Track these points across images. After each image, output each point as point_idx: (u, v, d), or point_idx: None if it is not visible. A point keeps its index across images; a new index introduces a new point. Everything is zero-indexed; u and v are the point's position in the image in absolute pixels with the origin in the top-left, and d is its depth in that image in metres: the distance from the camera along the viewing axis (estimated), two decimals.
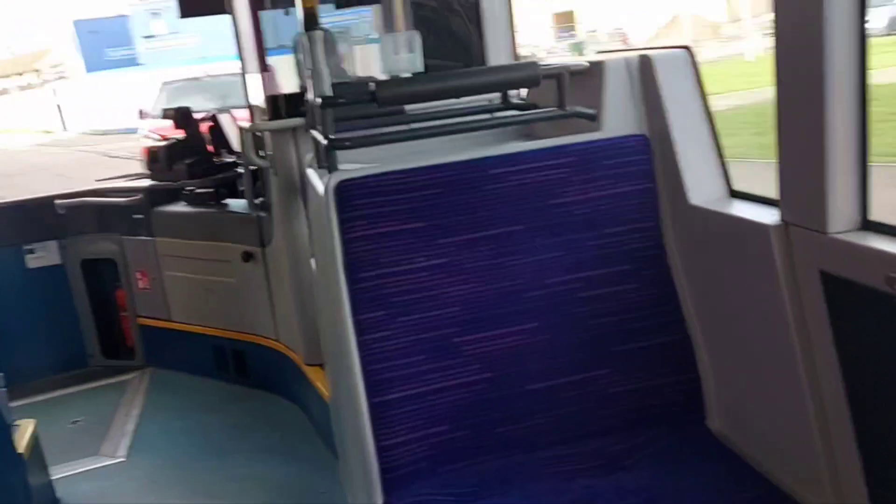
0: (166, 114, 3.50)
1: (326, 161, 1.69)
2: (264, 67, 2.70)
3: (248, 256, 3.27)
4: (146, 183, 3.69)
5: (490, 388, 1.58)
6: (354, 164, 1.90)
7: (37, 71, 40.02)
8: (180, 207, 3.64)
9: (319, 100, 1.69)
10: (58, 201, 3.86)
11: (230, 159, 3.61)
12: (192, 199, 3.59)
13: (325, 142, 1.68)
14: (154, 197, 3.67)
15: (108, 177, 4.15)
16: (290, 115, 2.69)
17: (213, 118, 3.53)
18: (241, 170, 3.57)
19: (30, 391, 3.82)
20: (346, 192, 1.59)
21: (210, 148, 3.62)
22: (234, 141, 3.57)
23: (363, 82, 2.69)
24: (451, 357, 1.57)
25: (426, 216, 1.60)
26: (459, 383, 1.57)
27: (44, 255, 3.93)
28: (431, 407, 1.56)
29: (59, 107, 28.12)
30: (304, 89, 2.73)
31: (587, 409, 1.61)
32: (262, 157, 2.90)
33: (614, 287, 1.64)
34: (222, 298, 3.51)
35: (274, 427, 3.17)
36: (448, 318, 1.58)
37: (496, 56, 2.74)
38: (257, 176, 3.18)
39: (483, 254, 1.61)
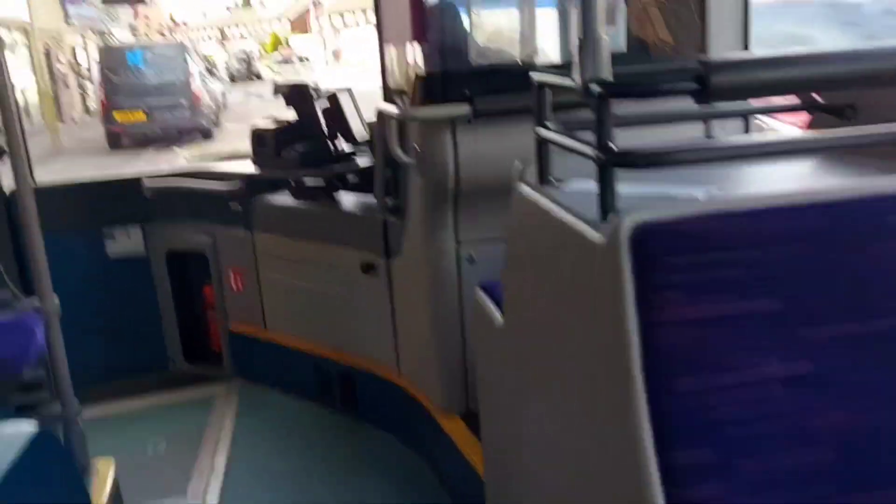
0: (278, 89, 2.93)
1: (599, 182, 1.08)
2: (421, 32, 2.08)
3: (367, 267, 2.69)
4: (247, 169, 3.14)
5: None
6: (580, 182, 1.30)
7: None
8: (285, 200, 3.09)
9: (597, 87, 1.08)
10: (146, 182, 3.36)
11: (347, 148, 3.03)
12: (300, 192, 3.03)
13: (596, 153, 1.08)
14: (256, 185, 3.12)
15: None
16: (445, 100, 2.08)
17: (332, 97, 2.95)
18: (360, 161, 3.00)
19: (105, 395, 3.35)
20: (652, 244, 0.98)
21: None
22: (356, 126, 2.99)
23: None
24: None
25: (783, 291, 0.98)
26: None
27: (125, 242, 3.43)
28: None
29: None
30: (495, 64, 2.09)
31: None
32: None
33: None
34: (330, 312, 2.95)
35: (391, 477, 2.61)
36: (821, 466, 0.96)
37: (722, 43, 2.10)
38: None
39: (878, 360, 0.99)
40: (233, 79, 38.96)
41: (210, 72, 20.52)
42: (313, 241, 2.93)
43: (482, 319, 1.79)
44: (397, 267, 2.61)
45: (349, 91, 3.06)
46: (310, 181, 2.92)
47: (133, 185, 3.36)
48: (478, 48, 2.06)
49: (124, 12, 32.77)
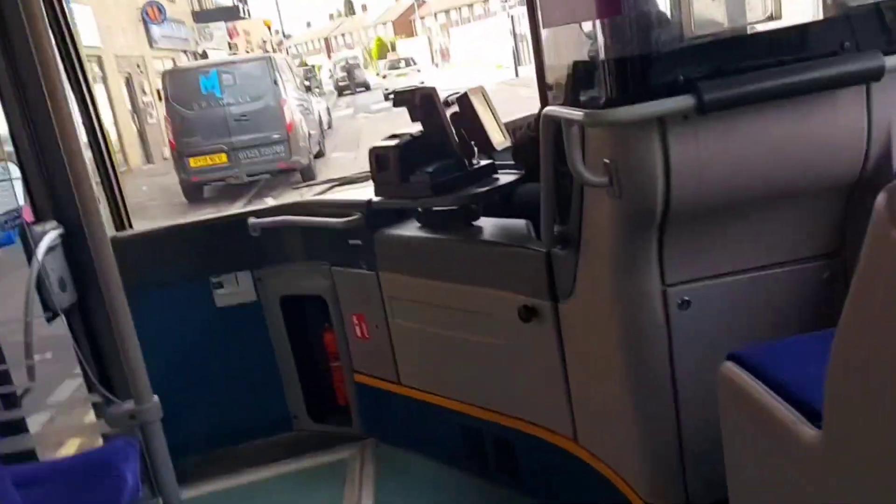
0: (399, 99, 2.42)
1: None
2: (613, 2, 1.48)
3: (528, 313, 2.14)
4: (366, 196, 2.66)
5: None
6: None
7: None
8: (413, 231, 2.58)
9: None
10: (252, 220, 2.93)
11: (483, 161, 2.49)
12: (429, 221, 2.52)
13: None
14: (377, 216, 2.63)
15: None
16: (649, 92, 1.50)
17: (464, 99, 2.42)
18: (501, 178, 2.45)
19: (222, 468, 2.96)
20: None
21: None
22: (494, 134, 2.44)
23: None
24: None
25: None
26: None
27: (234, 289, 3.02)
28: None
29: (519, 36, 24.26)
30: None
31: None
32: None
33: None
34: (479, 365, 2.42)
35: None
36: None
37: None
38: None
39: None
40: (340, 91, 38.66)
41: (308, 88, 16.98)
42: (452, 281, 2.40)
43: (751, 414, 1.21)
44: (569, 312, 2.05)
45: (482, 90, 2.51)
46: (439, 206, 2.40)
47: (238, 224, 2.94)
48: (694, 16, 1.46)
49: (219, 30, 31.67)
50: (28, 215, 3.28)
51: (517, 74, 23.51)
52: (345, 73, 39.03)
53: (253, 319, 3.03)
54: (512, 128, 2.59)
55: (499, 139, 2.45)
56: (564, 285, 2.02)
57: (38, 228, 2.66)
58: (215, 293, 3.00)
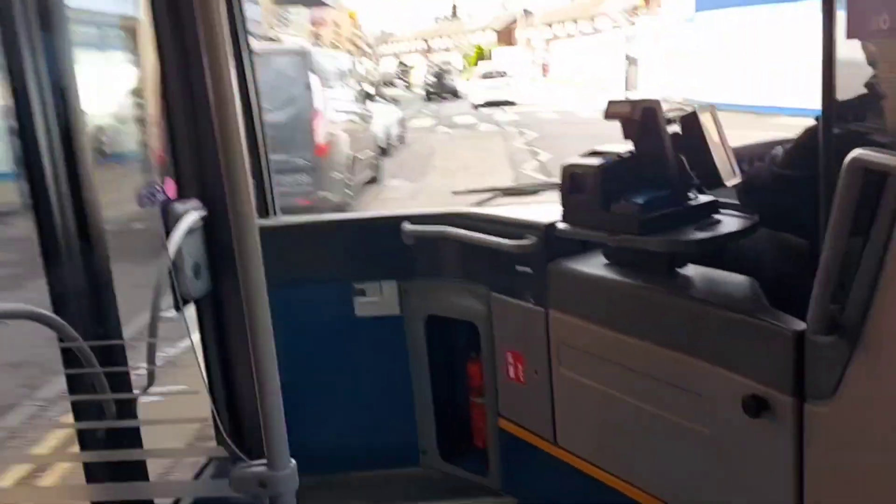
0: (612, 110, 1.98)
1: None
2: None
3: (757, 405, 1.65)
4: (550, 216, 2.23)
5: None
6: None
7: (604, 15, 38.59)
8: (599, 268, 2.13)
9: None
10: (406, 225, 2.57)
11: (702, 197, 2.00)
12: (623, 257, 2.06)
13: None
14: (557, 244, 2.19)
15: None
16: None
17: (690, 119, 1.94)
18: (724, 220, 1.96)
19: (335, 497, 2.64)
20: None
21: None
22: (723, 166, 1.95)
23: None
24: None
25: None
26: None
27: (378, 299, 2.68)
28: None
29: (629, 59, 23.17)
30: None
31: None
32: None
33: None
34: (671, 450, 1.95)
35: None
36: None
37: None
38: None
39: None
40: (428, 96, 36.92)
41: (369, 95, 13.23)
42: (648, 339, 1.94)
43: None
44: (824, 418, 1.54)
45: (712, 110, 2.02)
46: (649, 247, 1.92)
47: (391, 227, 2.60)
48: None
49: (300, 16, 28.99)
50: (171, 192, 3.09)
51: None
52: (435, 79, 37.07)
53: (393, 335, 2.69)
54: (742, 158, 2.09)
55: (728, 173, 1.95)
56: (821, 381, 1.52)
57: (179, 206, 2.41)
58: (356, 300, 2.67)
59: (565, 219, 2.09)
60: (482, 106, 28.51)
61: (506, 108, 27.02)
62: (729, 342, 1.74)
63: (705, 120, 1.99)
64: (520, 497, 2.53)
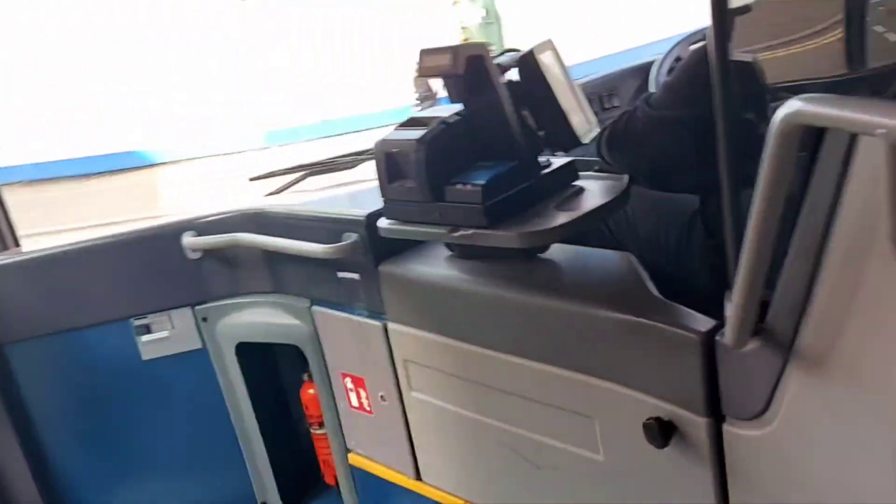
0: (427, 64, 1.46)
1: None
2: None
3: (663, 430, 1.27)
4: (372, 204, 1.72)
5: None
6: None
7: None
8: (443, 266, 1.66)
9: None
10: (187, 238, 1.98)
11: (560, 160, 1.56)
12: (470, 248, 1.60)
13: None
14: (385, 240, 1.68)
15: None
16: None
17: (525, 62, 1.47)
18: (586, 186, 1.54)
19: None
20: None
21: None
22: (575, 115, 1.51)
23: None
24: None
25: None
26: None
27: (169, 333, 2.08)
28: None
29: None
30: None
31: None
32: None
33: None
34: (558, 482, 1.56)
35: None
36: None
37: None
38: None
39: None
40: None
41: None
42: (511, 352, 1.51)
43: None
44: (749, 442, 1.19)
45: (551, 46, 1.56)
46: (501, 243, 1.47)
47: (167, 240, 2.00)
48: None
49: None
50: None
51: None
52: None
53: (197, 373, 2.12)
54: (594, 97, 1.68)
55: (584, 125, 1.52)
56: (744, 396, 1.16)
57: None
58: (140, 341, 2.06)
59: (388, 214, 1.59)
60: None
61: None
62: (616, 350, 1.35)
63: (546, 59, 1.54)
64: None
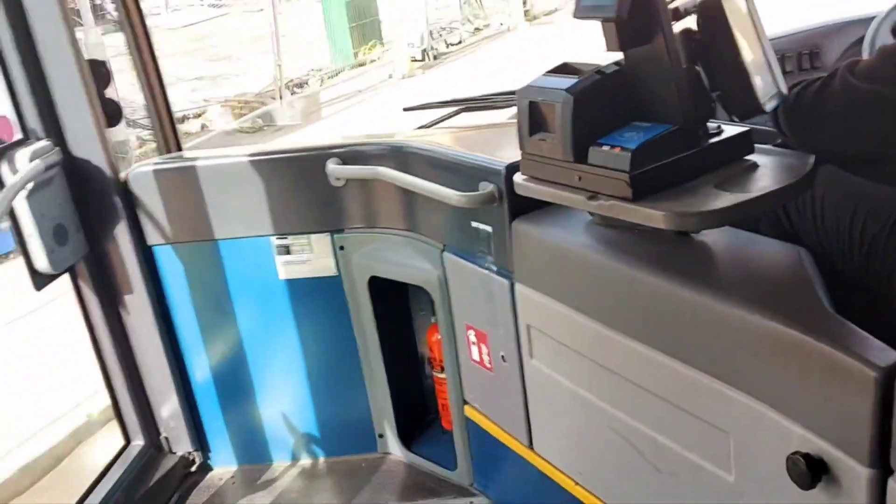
0: (586, 2, 1.27)
1: None
2: None
3: (812, 470, 1.07)
4: (507, 154, 1.58)
5: None
6: None
7: None
8: (582, 234, 1.50)
9: None
10: (331, 165, 1.95)
11: (733, 128, 1.33)
12: (612, 217, 1.42)
13: None
14: (520, 195, 1.53)
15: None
16: None
17: (708, 7, 1.24)
18: (760, 162, 1.30)
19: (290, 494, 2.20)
20: None
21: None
22: (762, 74, 1.27)
23: None
24: None
25: None
26: None
27: (306, 256, 2.09)
28: None
29: None
30: None
31: None
32: None
33: None
34: (677, 488, 1.39)
35: None
36: None
37: None
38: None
39: None
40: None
41: None
42: (648, 342, 1.34)
43: None
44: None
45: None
46: (648, 221, 1.28)
47: (316, 164, 1.98)
48: None
49: None
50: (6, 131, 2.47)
51: None
52: None
53: (330, 300, 2.12)
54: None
55: (768, 86, 1.28)
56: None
57: (20, 151, 1.82)
58: (279, 260, 2.08)
59: (525, 169, 1.44)
60: None
61: None
62: (768, 366, 1.14)
63: (735, 4, 1.29)
64: (493, 497, 2.03)
